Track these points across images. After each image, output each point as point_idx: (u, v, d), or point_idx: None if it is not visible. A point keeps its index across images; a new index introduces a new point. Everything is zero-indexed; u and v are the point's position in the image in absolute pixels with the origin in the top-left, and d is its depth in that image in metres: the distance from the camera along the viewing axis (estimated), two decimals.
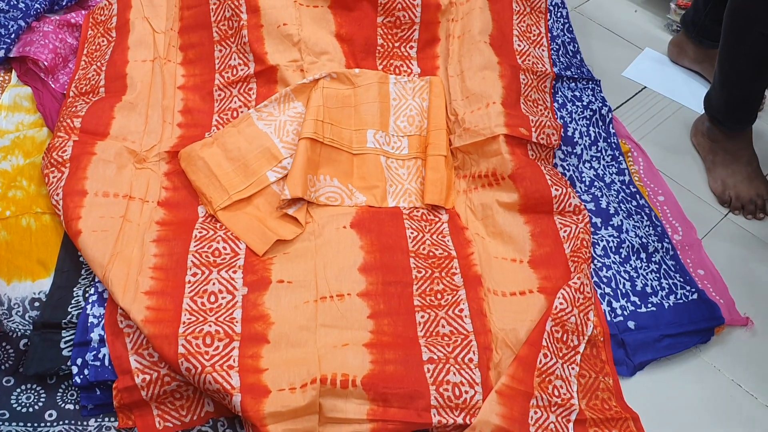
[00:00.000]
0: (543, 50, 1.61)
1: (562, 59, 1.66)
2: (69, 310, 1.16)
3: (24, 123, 1.50)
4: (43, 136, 1.46)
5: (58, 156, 1.31)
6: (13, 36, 1.60)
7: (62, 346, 1.13)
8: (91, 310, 1.14)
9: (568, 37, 1.73)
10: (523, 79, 1.52)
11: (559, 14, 1.72)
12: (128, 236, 1.22)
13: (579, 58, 1.73)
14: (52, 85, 1.54)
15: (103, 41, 1.58)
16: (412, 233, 1.29)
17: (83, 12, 1.69)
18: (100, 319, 1.13)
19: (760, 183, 1.53)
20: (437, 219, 1.34)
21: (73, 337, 1.13)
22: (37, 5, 1.65)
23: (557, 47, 1.68)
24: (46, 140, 1.45)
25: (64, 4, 1.70)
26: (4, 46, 1.58)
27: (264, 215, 1.29)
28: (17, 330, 1.15)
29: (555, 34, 1.69)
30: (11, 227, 1.26)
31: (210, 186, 1.31)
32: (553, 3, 1.70)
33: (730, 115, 1.53)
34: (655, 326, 1.24)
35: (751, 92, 1.49)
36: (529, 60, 1.56)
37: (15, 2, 1.68)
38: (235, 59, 1.50)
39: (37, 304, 1.17)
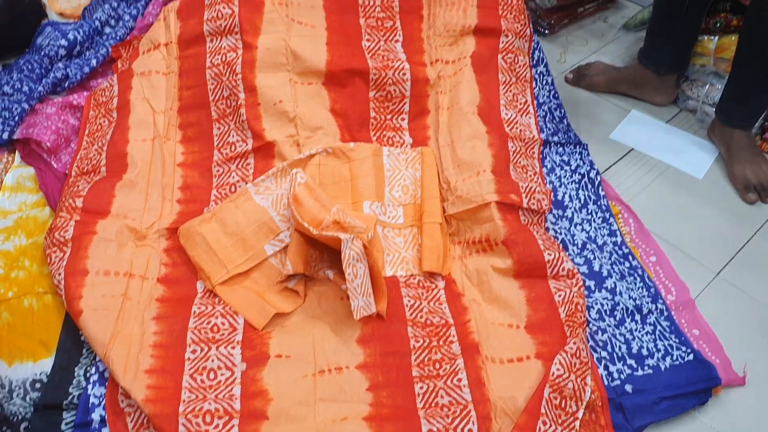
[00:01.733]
0: (530, 117, 1.66)
1: (549, 125, 1.71)
2: (70, 390, 1.17)
3: (27, 203, 1.53)
4: (46, 216, 1.50)
5: (60, 236, 1.34)
6: (17, 119, 1.65)
7: (63, 427, 1.14)
8: (92, 390, 1.16)
9: (554, 103, 1.78)
10: (512, 147, 1.56)
11: (544, 82, 1.78)
12: (129, 314, 1.24)
13: (566, 123, 1.78)
14: (55, 165, 1.59)
15: (104, 121, 1.63)
16: (409, 301, 1.31)
17: (85, 93, 1.74)
18: (101, 399, 1.14)
19: None
20: (434, 286, 1.36)
21: (74, 418, 1.13)
22: (40, 88, 1.71)
23: (544, 113, 1.73)
24: (49, 220, 1.48)
25: (66, 85, 1.76)
26: (8, 129, 1.64)
27: (262, 289, 1.31)
28: (18, 413, 1.15)
29: (542, 101, 1.75)
30: (13, 308, 1.29)
31: (208, 261, 1.34)
32: (539, 72, 1.76)
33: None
34: (652, 389, 1.25)
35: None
36: (516, 128, 1.61)
37: (19, 86, 1.74)
38: (233, 136, 1.55)
39: (38, 385, 1.18)
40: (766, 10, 1.55)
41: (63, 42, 1.82)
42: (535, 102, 1.71)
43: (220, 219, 1.40)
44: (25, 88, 1.73)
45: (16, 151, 1.65)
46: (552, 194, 1.52)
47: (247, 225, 1.38)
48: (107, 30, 1.93)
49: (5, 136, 1.63)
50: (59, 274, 1.28)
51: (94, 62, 1.79)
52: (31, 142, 1.63)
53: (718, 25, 1.84)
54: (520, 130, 1.61)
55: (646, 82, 1.93)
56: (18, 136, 1.64)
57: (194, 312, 1.26)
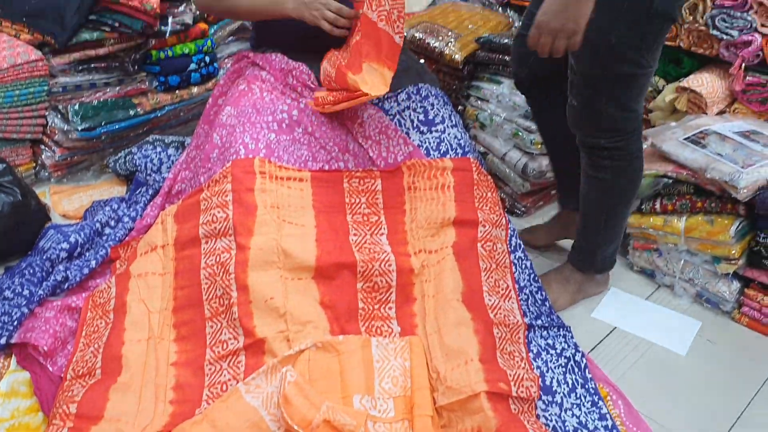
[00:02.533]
0: (512, 302, 1.73)
1: (531, 309, 1.77)
2: None
3: (20, 409, 1.55)
4: (39, 422, 1.51)
5: None
6: (16, 323, 1.70)
7: None
8: None
9: (535, 287, 1.85)
10: (497, 333, 1.61)
11: (523, 266, 1.85)
12: None
13: (548, 305, 1.84)
14: (50, 369, 1.61)
15: (101, 323, 1.68)
16: None
17: (84, 294, 1.81)
18: None
19: None
20: None
21: None
22: (41, 292, 1.77)
23: (526, 297, 1.79)
24: (41, 426, 1.49)
25: (65, 287, 1.83)
26: (6, 334, 1.68)
27: None
28: None
29: (522, 284, 1.81)
30: None
31: None
32: (517, 257, 1.84)
33: None
34: None
35: None
36: (500, 313, 1.67)
37: (20, 290, 1.81)
38: (225, 334, 1.60)
39: None
40: (588, 174, 1.80)
41: (65, 245, 1.91)
42: (516, 286, 1.78)
43: (211, 420, 1.41)
44: (26, 292, 1.79)
45: (13, 356, 1.68)
46: (540, 380, 1.55)
47: (238, 426, 1.39)
48: (107, 231, 2.03)
49: (3, 341, 1.67)
50: None
51: (93, 263, 1.88)
52: (28, 345, 1.66)
53: (684, 207, 1.96)
54: (504, 316, 1.67)
55: (571, 220, 2.04)
56: (16, 340, 1.67)
57: None
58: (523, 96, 2.07)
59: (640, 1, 1.46)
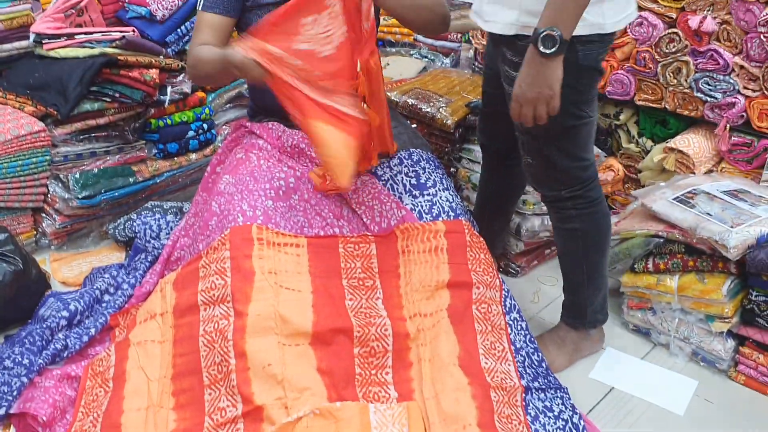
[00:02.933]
0: (509, 365, 1.74)
1: (528, 370, 1.78)
2: None
3: None
4: None
5: None
6: (15, 393, 1.70)
7: None
8: None
9: (531, 348, 1.86)
10: (495, 397, 1.62)
11: (519, 327, 1.87)
12: None
13: (545, 366, 1.84)
14: None
15: (100, 391, 1.69)
16: None
17: (83, 362, 1.82)
18: None
19: None
20: None
21: None
22: (40, 361, 1.78)
23: (522, 359, 1.80)
24: None
25: (65, 355, 1.84)
26: (6, 404, 1.68)
27: None
28: None
29: (518, 346, 1.82)
30: None
31: None
32: (512, 318, 1.85)
33: None
34: None
35: None
36: (497, 377, 1.68)
37: (20, 359, 1.81)
38: (224, 401, 1.60)
39: None
40: (559, 228, 1.91)
41: (64, 313, 1.93)
42: (513, 348, 1.79)
43: None
44: (26, 361, 1.80)
45: (12, 425, 1.68)
46: None
47: None
48: (106, 298, 2.05)
49: (2, 411, 1.67)
50: None
51: (92, 331, 1.89)
52: (27, 415, 1.67)
53: (676, 265, 1.99)
54: (501, 379, 1.68)
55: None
56: (15, 410, 1.68)
57: None
58: None
59: (567, 62, 1.52)
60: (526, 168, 1.85)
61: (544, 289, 2.32)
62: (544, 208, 2.29)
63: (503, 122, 1.80)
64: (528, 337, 1.87)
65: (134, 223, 2.28)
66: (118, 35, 2.44)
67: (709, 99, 2.25)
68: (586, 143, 1.79)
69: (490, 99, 1.98)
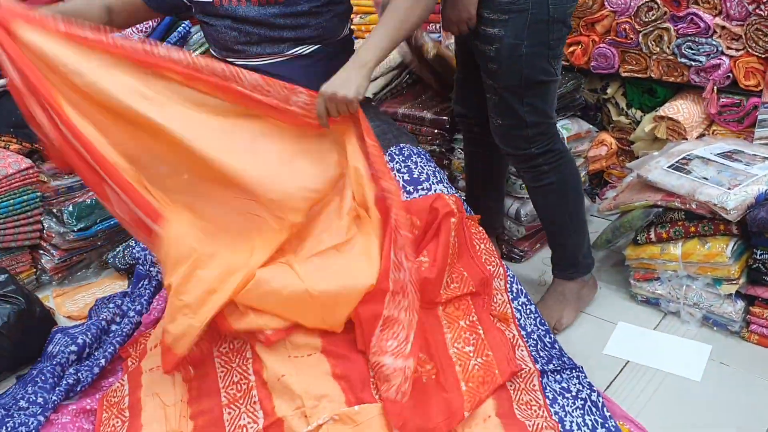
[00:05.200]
0: (522, 350, 1.73)
1: (542, 353, 1.77)
2: None
3: None
4: None
5: None
6: None
7: None
8: None
9: (542, 330, 1.85)
10: (511, 385, 1.61)
11: (528, 311, 1.86)
12: None
13: (558, 347, 1.84)
14: None
15: (117, 422, 1.68)
16: None
17: (98, 395, 1.81)
18: None
19: None
20: None
21: None
22: (54, 398, 1.77)
23: (535, 342, 1.80)
24: None
25: (78, 389, 1.83)
26: None
27: None
28: None
29: (529, 330, 1.81)
30: None
31: None
32: (520, 303, 1.84)
33: None
34: None
35: None
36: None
37: (34, 398, 1.80)
38: (244, 419, 1.59)
39: None
40: (534, 188, 1.97)
41: (73, 347, 1.92)
42: (523, 333, 1.78)
43: None
44: (40, 400, 1.79)
45: None
46: (560, 426, 1.55)
47: None
48: (113, 327, 2.04)
49: None
50: None
51: (103, 362, 1.88)
52: None
53: (678, 233, 1.99)
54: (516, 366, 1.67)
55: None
56: None
57: None
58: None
59: (539, 13, 1.71)
60: (494, 130, 1.92)
61: (549, 270, 2.31)
62: None
63: (478, 87, 1.90)
64: (539, 319, 1.86)
65: (133, 250, 2.27)
66: None
67: (693, 63, 2.24)
68: (552, 100, 1.87)
69: (463, 63, 2.04)
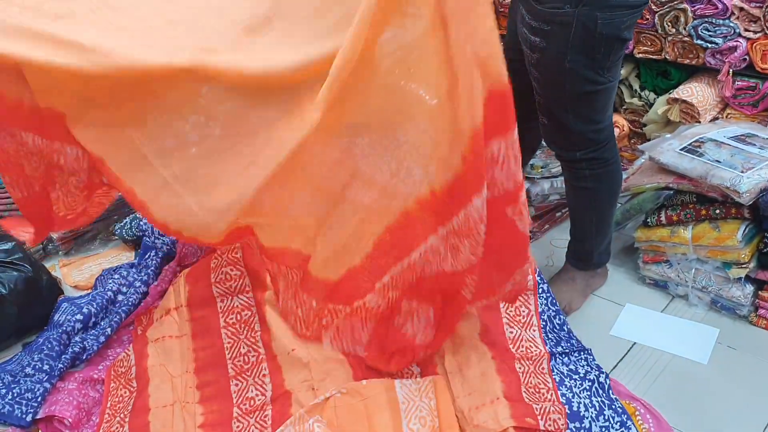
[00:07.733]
0: (534, 331, 1.73)
1: (551, 335, 1.77)
2: None
3: None
4: None
5: None
6: (39, 399, 1.70)
7: None
8: None
9: (552, 311, 1.85)
10: (519, 368, 1.62)
11: (540, 290, 1.86)
12: None
13: (566, 329, 1.83)
14: None
15: (125, 392, 1.69)
16: None
17: (104, 363, 1.81)
18: None
19: None
20: None
21: None
22: (60, 365, 1.78)
23: (545, 323, 1.79)
24: None
25: (84, 357, 1.84)
26: (31, 411, 1.68)
27: None
28: None
29: (541, 309, 1.81)
30: None
31: None
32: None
33: None
34: None
35: None
36: (522, 345, 1.67)
37: (40, 365, 1.81)
38: (252, 391, 1.60)
39: None
40: (571, 185, 1.90)
41: (79, 316, 1.92)
42: (538, 311, 1.78)
43: None
44: (46, 367, 1.79)
45: (39, 430, 1.68)
46: (567, 407, 1.55)
47: None
48: (120, 297, 2.04)
49: (29, 418, 1.67)
50: None
51: (109, 331, 1.89)
52: (53, 419, 1.67)
53: (689, 216, 1.97)
54: (526, 348, 1.67)
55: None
56: (41, 415, 1.68)
57: None
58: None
59: (586, 29, 1.55)
60: (542, 128, 1.83)
61: (558, 252, 2.31)
62: (553, 170, 2.28)
63: (523, 80, 1.72)
64: (550, 299, 1.85)
65: (141, 221, 2.27)
66: None
67: (709, 45, 2.22)
68: (603, 107, 1.74)
69: (511, 54, 1.90)
